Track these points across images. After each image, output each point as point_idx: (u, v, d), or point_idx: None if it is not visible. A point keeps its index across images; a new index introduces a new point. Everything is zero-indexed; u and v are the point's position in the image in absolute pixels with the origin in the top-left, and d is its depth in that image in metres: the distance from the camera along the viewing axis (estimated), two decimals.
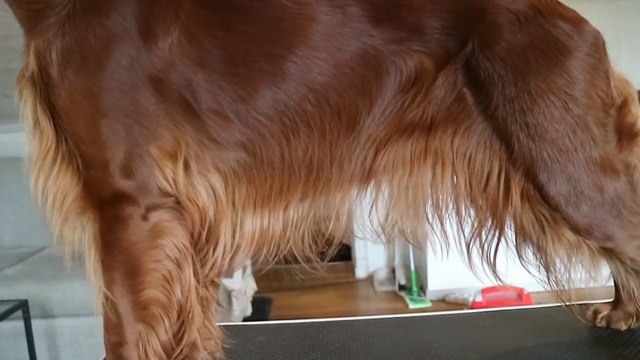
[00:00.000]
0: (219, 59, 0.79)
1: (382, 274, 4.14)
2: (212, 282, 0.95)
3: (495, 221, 0.87)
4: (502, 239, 0.89)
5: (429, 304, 3.53)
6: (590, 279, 0.89)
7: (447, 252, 0.89)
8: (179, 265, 0.82)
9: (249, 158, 0.82)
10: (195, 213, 0.82)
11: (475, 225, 0.88)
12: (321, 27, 0.80)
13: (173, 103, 0.79)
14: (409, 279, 3.78)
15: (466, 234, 0.90)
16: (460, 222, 0.90)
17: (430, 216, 0.89)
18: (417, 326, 1.18)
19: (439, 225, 0.89)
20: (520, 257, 0.90)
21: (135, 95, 0.78)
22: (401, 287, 3.84)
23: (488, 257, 0.90)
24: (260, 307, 3.53)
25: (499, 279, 0.90)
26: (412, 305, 3.53)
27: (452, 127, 0.85)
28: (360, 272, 4.25)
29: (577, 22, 0.84)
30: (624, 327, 1.09)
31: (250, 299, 3.30)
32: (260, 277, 4.40)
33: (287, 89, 0.80)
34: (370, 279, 4.16)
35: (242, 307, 3.03)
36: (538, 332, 1.14)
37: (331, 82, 0.81)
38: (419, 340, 1.09)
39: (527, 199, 0.85)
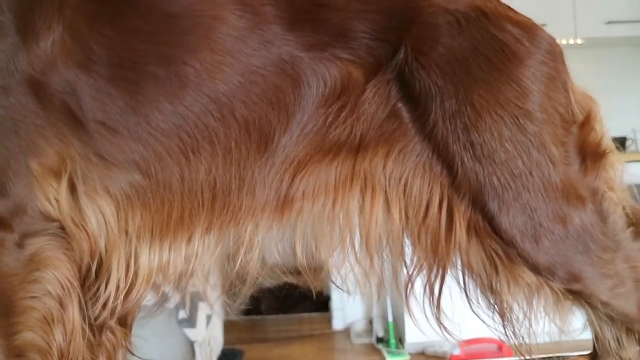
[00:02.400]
0: (106, 61, 0.67)
1: (360, 325, 3.98)
2: (121, 324, 0.80)
3: (437, 259, 0.73)
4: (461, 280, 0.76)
5: (407, 357, 3.39)
6: (558, 330, 0.75)
7: (379, 298, 0.75)
8: (61, 303, 0.68)
9: (142, 179, 0.69)
10: (84, 242, 0.69)
11: (414, 265, 0.74)
12: (227, 28, 0.68)
13: (56, 111, 0.67)
14: (386, 330, 3.64)
15: (403, 275, 0.76)
16: (394, 261, 0.76)
17: (360, 253, 0.75)
18: None
19: (369, 264, 0.75)
20: (469, 302, 0.76)
21: (11, 100, 0.65)
22: (379, 340, 3.68)
23: (431, 302, 0.76)
24: None
25: (445, 329, 0.76)
26: (389, 359, 3.38)
27: (384, 147, 0.72)
28: (337, 324, 4.10)
29: (528, 26, 0.73)
30: None
31: (217, 350, 3.14)
32: (231, 327, 4.24)
33: (185, 99, 0.67)
34: (347, 330, 4.00)
35: (205, 358, 2.87)
36: None
37: (238, 92, 0.68)
38: None
39: (475, 232, 0.72)
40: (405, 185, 0.72)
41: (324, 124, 0.71)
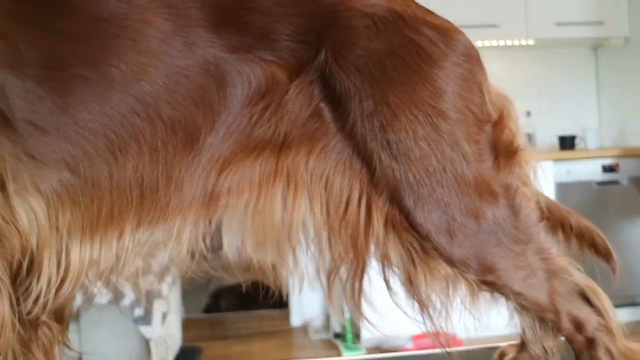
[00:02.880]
0: (35, 62, 0.69)
1: (318, 321, 4.02)
2: (57, 320, 0.82)
3: (356, 253, 0.76)
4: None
5: (363, 352, 3.43)
6: (475, 319, 0.80)
7: (301, 288, 0.78)
8: None
9: (72, 177, 0.71)
10: (15, 239, 0.70)
11: (335, 258, 0.77)
12: (153, 31, 0.70)
13: None
14: (344, 326, 3.68)
15: (326, 267, 0.79)
16: (319, 254, 0.79)
17: (284, 247, 0.78)
18: None
19: (292, 257, 0.78)
20: (390, 293, 0.80)
21: None
22: (336, 335, 3.72)
23: (353, 295, 0.79)
24: (189, 357, 3.40)
25: (367, 320, 0.80)
26: (346, 354, 3.42)
27: (307, 146, 0.75)
28: (296, 320, 4.13)
29: (444, 29, 0.76)
30: None
31: (175, 348, 3.14)
32: (191, 325, 4.25)
33: (111, 99, 0.69)
34: (305, 326, 4.03)
35: (161, 356, 2.87)
36: None
37: (163, 92, 0.71)
38: None
39: (393, 226, 0.75)
40: (326, 181, 0.75)
41: (249, 123, 0.74)
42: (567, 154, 3.83)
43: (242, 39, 0.72)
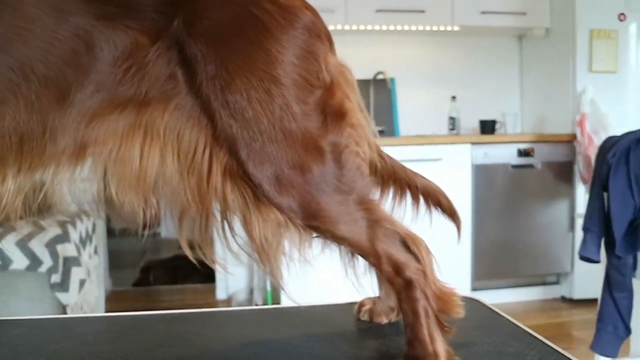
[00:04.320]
0: None
1: (242, 295, 4.11)
2: None
3: (201, 198, 0.85)
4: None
5: None
6: (305, 261, 0.89)
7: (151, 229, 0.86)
8: None
9: None
10: None
11: (184, 203, 0.86)
12: (31, 0, 0.79)
13: None
14: (265, 300, 3.77)
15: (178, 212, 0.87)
16: (172, 200, 0.87)
17: (141, 191, 0.85)
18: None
19: (149, 201, 0.86)
20: (227, 241, 0.88)
21: None
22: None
23: (199, 239, 0.88)
24: None
25: (219, 264, 0.89)
26: None
27: (163, 103, 0.83)
28: (221, 294, 4.21)
29: (287, 6, 0.85)
30: (384, 320, 1.12)
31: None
32: (118, 297, 4.27)
33: None
34: (229, 300, 4.11)
35: None
36: (298, 327, 1.16)
37: (37, 54, 0.78)
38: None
39: (230, 176, 0.84)
40: (178, 134, 0.83)
41: (115, 81, 0.81)
42: (485, 137, 4.00)
43: (110, 9, 0.81)
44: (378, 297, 1.14)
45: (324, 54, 0.87)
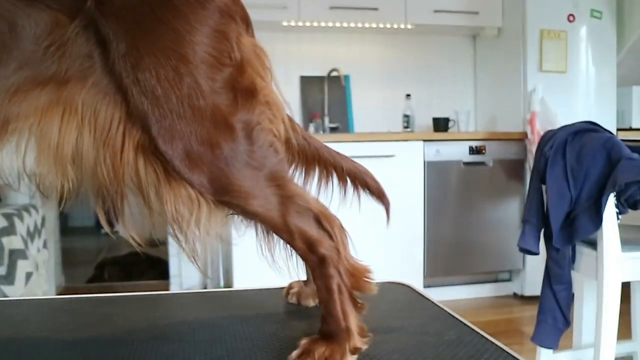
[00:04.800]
0: None
1: (195, 290, 4.08)
2: None
3: (115, 172, 0.85)
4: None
5: None
6: (216, 237, 0.89)
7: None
8: None
9: None
10: None
11: (100, 178, 0.86)
12: None
13: None
14: None
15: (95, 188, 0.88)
16: (89, 174, 0.87)
17: (59, 165, 0.85)
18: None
19: (64, 175, 0.86)
20: (150, 213, 0.89)
21: None
22: None
23: (116, 213, 0.88)
24: None
25: (135, 239, 0.89)
26: None
27: (82, 80, 0.84)
28: (174, 290, 4.17)
29: None
30: (311, 303, 1.14)
31: None
32: (72, 292, 4.20)
33: None
34: None
35: None
36: (226, 309, 1.18)
37: None
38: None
39: (142, 152, 0.84)
40: (95, 111, 0.84)
41: (36, 59, 0.82)
42: (437, 135, 4.05)
43: None
44: (305, 280, 1.16)
45: (236, 34, 0.88)
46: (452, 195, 3.99)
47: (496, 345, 0.97)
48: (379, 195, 1.11)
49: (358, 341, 0.87)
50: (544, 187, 2.22)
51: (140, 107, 0.82)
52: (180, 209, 0.86)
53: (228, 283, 3.76)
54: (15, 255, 2.88)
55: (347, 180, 1.09)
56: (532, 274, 4.05)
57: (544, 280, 2.30)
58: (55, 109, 0.84)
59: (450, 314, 1.15)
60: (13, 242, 2.89)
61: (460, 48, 4.79)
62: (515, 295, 4.26)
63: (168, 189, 0.85)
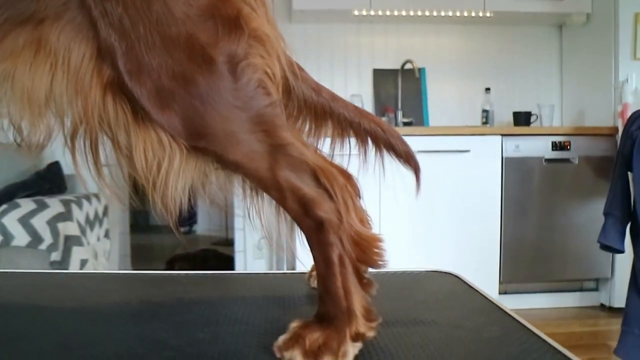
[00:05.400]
0: None
1: None
2: None
3: (85, 115, 0.75)
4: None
5: None
6: (183, 192, 0.74)
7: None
8: None
9: None
10: None
11: (74, 119, 0.76)
12: None
13: None
14: None
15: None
16: (63, 117, 0.76)
17: (34, 107, 0.77)
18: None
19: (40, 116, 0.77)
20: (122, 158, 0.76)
21: None
22: None
23: (90, 159, 0.77)
24: None
25: (110, 190, 0.76)
26: None
27: (57, 19, 0.76)
28: None
29: None
30: None
31: None
32: None
33: None
34: None
35: None
36: (235, 292, 1.05)
37: None
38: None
39: (111, 89, 0.73)
40: (69, 49, 0.75)
41: (14, 1, 0.76)
42: (517, 129, 3.76)
43: None
44: None
45: None
46: (532, 195, 3.69)
47: (549, 344, 0.77)
48: (407, 158, 0.92)
49: (362, 326, 0.69)
50: (630, 174, 1.92)
51: (108, 40, 0.72)
52: (149, 157, 0.72)
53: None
54: (71, 241, 2.86)
55: (366, 141, 0.91)
56: (622, 283, 3.68)
57: (630, 284, 2.02)
58: (30, 50, 0.77)
59: (499, 308, 0.94)
60: (69, 228, 2.86)
61: (544, 38, 4.47)
62: (602, 306, 3.91)
63: (137, 132, 0.73)
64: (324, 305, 0.70)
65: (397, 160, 0.93)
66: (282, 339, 0.70)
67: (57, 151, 3.62)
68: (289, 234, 0.81)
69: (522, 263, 3.72)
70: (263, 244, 4.15)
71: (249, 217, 0.80)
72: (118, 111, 0.73)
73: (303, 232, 0.73)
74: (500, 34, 4.43)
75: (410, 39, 4.38)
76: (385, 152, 0.92)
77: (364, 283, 0.72)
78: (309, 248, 0.73)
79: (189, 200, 0.76)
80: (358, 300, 0.70)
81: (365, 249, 0.72)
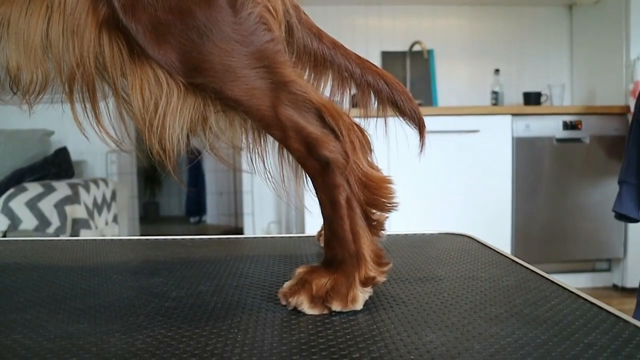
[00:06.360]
0: None
1: None
2: None
3: (82, 56, 0.70)
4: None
5: None
6: (181, 134, 0.69)
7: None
8: None
9: None
10: None
11: (72, 65, 0.70)
12: None
13: None
14: None
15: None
16: (60, 63, 0.71)
17: (30, 53, 0.72)
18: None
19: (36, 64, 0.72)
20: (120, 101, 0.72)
21: None
22: None
23: (89, 110, 0.72)
24: None
25: (110, 137, 0.72)
26: None
27: None
28: None
29: None
30: None
31: None
32: None
33: None
34: None
35: None
36: (247, 252, 1.00)
37: None
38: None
39: (107, 27, 0.69)
40: None
41: None
42: (527, 109, 3.69)
43: None
44: None
45: None
46: (543, 175, 3.64)
47: (569, 291, 0.73)
48: (411, 116, 0.86)
49: (372, 270, 0.65)
50: None
51: None
52: (146, 97, 0.68)
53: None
54: (79, 224, 2.83)
55: (368, 94, 0.86)
56: (635, 263, 3.64)
57: None
58: None
59: (515, 261, 0.91)
60: (76, 211, 2.83)
61: (554, 18, 4.40)
62: (615, 287, 3.85)
63: (133, 70, 0.68)
64: (331, 250, 0.67)
65: (401, 118, 0.88)
66: (287, 284, 0.66)
67: (65, 137, 3.60)
68: (294, 178, 0.77)
69: (533, 244, 3.67)
70: (272, 229, 4.12)
71: (252, 161, 0.76)
72: (114, 50, 0.69)
73: (308, 173, 0.69)
74: (509, 15, 4.36)
75: (419, 21, 4.32)
76: (388, 109, 0.87)
77: (373, 226, 0.67)
78: (314, 191, 0.69)
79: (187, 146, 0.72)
80: (367, 244, 0.66)
81: (374, 191, 0.68)
